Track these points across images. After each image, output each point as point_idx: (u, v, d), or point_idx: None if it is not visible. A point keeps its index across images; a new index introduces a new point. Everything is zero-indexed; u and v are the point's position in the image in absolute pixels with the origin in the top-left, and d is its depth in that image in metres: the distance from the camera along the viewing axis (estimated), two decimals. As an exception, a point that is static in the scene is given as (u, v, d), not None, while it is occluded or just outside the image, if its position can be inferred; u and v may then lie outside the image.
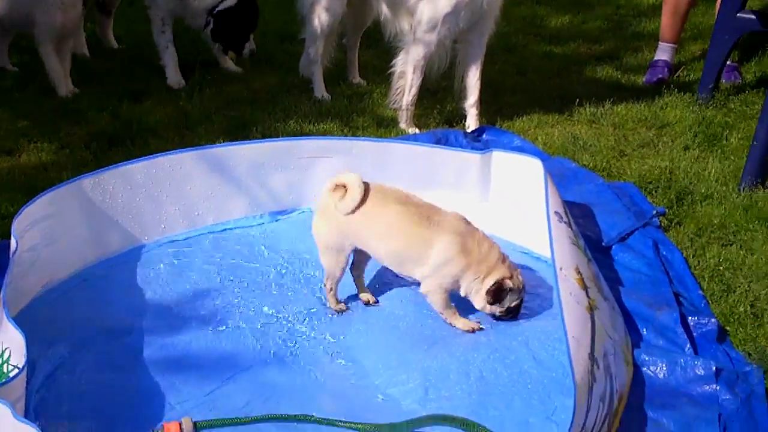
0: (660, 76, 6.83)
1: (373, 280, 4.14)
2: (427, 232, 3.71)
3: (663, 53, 6.98)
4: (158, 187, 4.49)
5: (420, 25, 5.64)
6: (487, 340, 3.70)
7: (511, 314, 3.81)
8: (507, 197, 4.48)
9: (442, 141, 5.39)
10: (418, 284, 3.85)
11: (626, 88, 6.70)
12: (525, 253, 4.36)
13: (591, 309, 3.38)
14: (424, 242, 3.71)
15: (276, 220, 4.71)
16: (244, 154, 4.65)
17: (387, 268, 4.00)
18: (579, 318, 3.25)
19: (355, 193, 3.75)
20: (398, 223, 3.74)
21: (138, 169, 4.45)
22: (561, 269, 3.44)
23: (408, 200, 3.83)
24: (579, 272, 3.53)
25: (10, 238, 3.89)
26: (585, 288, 3.48)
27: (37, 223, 3.98)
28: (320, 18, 6.18)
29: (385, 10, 5.90)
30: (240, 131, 5.63)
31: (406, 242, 3.75)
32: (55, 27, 6.15)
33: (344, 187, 3.79)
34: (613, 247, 4.37)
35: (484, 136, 5.64)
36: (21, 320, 3.28)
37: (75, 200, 4.20)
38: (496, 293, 3.72)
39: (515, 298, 3.77)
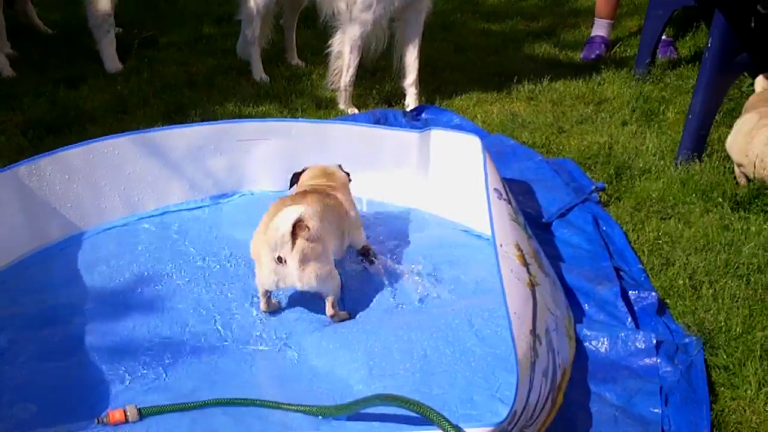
0: (597, 52, 6.87)
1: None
2: None
3: (599, 29, 7.03)
4: (96, 173, 4.45)
5: (356, 5, 5.63)
6: (430, 318, 3.70)
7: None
8: (446, 175, 4.49)
9: (381, 121, 5.39)
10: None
11: (564, 64, 6.74)
12: (465, 231, 4.37)
13: (532, 285, 3.40)
14: None
15: (217, 203, 4.68)
16: (182, 138, 4.62)
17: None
18: (520, 294, 3.27)
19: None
20: None
21: (75, 154, 4.41)
22: (501, 246, 3.46)
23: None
24: (519, 249, 3.55)
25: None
26: (526, 264, 3.50)
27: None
28: (256, -2, 6.15)
29: None
30: (178, 115, 5.60)
31: None
32: None
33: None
34: (553, 223, 4.40)
35: (423, 115, 5.64)
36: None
37: (11, 188, 4.16)
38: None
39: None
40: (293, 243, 3.51)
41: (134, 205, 4.55)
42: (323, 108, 5.80)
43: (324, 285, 3.63)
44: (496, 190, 3.86)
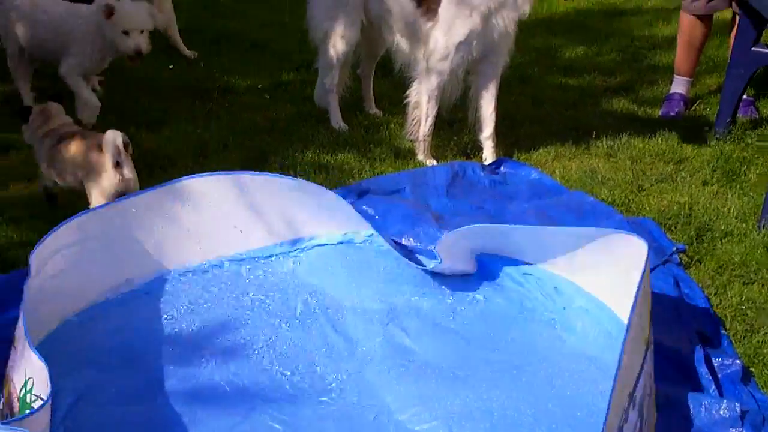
0: (677, 109, 6.83)
1: (390, 312, 4.14)
2: None
3: (679, 86, 6.99)
4: (178, 215, 4.48)
5: (433, 54, 5.65)
6: (510, 376, 3.69)
7: None
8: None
9: (459, 174, 5.41)
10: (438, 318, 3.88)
11: (643, 121, 6.70)
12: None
13: (647, 344, 3.37)
14: None
15: (295, 249, 4.69)
16: (266, 183, 4.64)
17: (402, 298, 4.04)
18: (635, 351, 3.23)
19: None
20: None
21: (158, 196, 4.44)
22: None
23: None
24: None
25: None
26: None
27: (59, 250, 3.97)
28: (335, 47, 6.19)
29: (398, 38, 5.91)
30: (258, 161, 5.64)
31: None
32: (92, 59, 6.10)
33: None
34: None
35: (501, 168, 5.64)
36: (43, 349, 3.27)
37: (97, 228, 4.20)
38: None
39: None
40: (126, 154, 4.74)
41: (215, 248, 4.56)
42: (401, 158, 5.82)
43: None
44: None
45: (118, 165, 4.72)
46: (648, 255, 3.59)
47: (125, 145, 4.75)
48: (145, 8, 5.88)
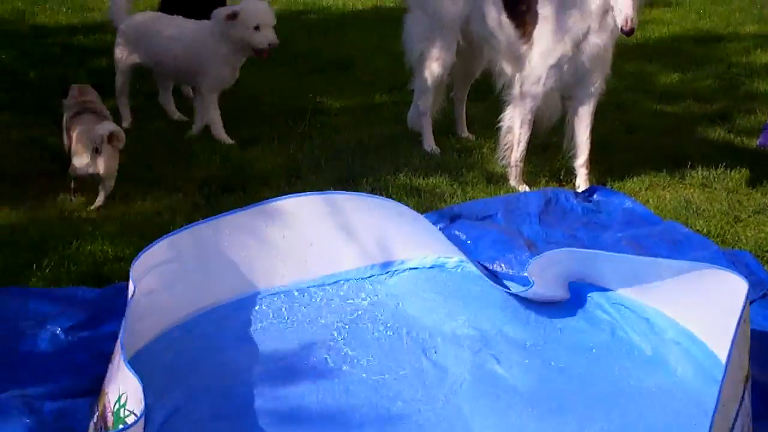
0: None
1: (481, 339, 4.12)
2: None
3: None
4: (271, 234, 4.51)
5: (527, 78, 5.64)
6: (602, 409, 3.64)
7: None
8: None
9: (552, 201, 5.36)
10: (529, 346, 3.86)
11: (740, 150, 6.60)
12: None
13: (746, 381, 3.31)
14: None
15: (387, 272, 4.69)
16: (360, 204, 4.65)
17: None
18: (734, 385, 3.18)
19: None
20: None
21: (251, 215, 4.47)
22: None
23: None
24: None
25: (127, 282, 3.96)
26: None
27: (154, 267, 4.01)
28: (430, 69, 6.20)
29: (500, 60, 5.91)
30: (349, 182, 5.66)
31: None
32: (224, 79, 6.42)
33: None
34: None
35: (595, 196, 5.58)
36: (135, 365, 3.30)
37: (192, 246, 4.23)
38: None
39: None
40: (109, 143, 5.37)
41: (306, 269, 4.57)
42: (494, 183, 5.80)
43: (110, 178, 5.49)
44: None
45: (96, 151, 5.37)
46: (748, 293, 3.52)
47: (110, 137, 5.40)
48: (267, 5, 6.30)
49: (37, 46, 8.63)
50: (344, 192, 4.89)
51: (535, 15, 5.55)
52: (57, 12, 9.99)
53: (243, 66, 7.67)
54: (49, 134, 6.46)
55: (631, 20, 5.17)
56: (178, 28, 6.53)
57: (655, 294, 4.20)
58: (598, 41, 5.45)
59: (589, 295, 4.40)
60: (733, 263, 4.71)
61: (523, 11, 5.60)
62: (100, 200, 5.48)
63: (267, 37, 6.20)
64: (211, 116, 6.45)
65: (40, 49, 8.54)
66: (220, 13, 6.32)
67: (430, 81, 6.24)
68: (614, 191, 5.66)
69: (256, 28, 6.19)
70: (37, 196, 5.52)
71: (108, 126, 5.48)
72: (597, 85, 5.68)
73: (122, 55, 6.63)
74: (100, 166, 5.39)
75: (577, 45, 5.47)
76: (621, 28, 5.21)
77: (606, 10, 5.33)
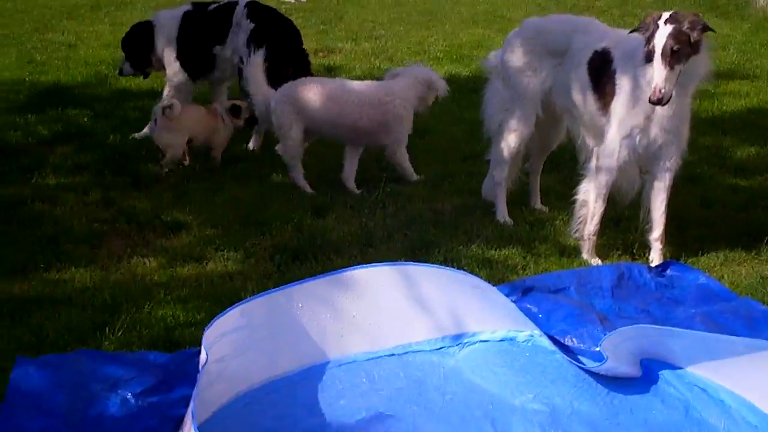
0: None
1: (551, 414, 4.07)
2: None
3: None
4: (343, 304, 4.52)
5: (603, 152, 5.63)
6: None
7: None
8: None
9: (625, 275, 5.32)
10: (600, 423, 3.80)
11: None
12: None
13: None
14: None
15: (457, 344, 4.67)
16: (431, 275, 4.65)
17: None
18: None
19: None
20: None
21: (325, 285, 4.50)
22: None
23: None
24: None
25: (197, 347, 3.99)
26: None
27: (226, 334, 4.05)
28: (507, 140, 6.21)
29: (583, 132, 5.90)
30: (422, 252, 5.66)
31: None
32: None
33: None
34: None
35: (668, 271, 5.52)
36: (204, 431, 3.33)
37: (264, 314, 4.27)
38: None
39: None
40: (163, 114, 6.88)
41: (377, 339, 4.58)
42: (566, 255, 5.76)
43: (166, 148, 7.06)
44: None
45: (155, 122, 6.98)
46: None
47: (164, 109, 6.92)
48: None
49: (117, 109, 8.79)
50: (416, 263, 4.90)
51: (614, 87, 5.55)
52: (138, 76, 10.17)
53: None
54: (125, 196, 6.57)
55: (659, 90, 5.15)
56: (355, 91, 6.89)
57: (730, 373, 4.14)
58: (669, 113, 5.42)
59: (661, 372, 4.37)
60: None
61: (604, 83, 5.61)
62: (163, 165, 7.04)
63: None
64: (405, 168, 7.05)
65: (121, 113, 8.70)
66: (422, 78, 6.95)
67: (506, 152, 6.24)
68: (688, 266, 5.59)
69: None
70: (112, 258, 5.60)
71: (165, 101, 7.09)
72: (672, 160, 5.63)
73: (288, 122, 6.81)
74: (157, 134, 7.02)
75: (648, 117, 5.45)
76: (648, 98, 5.20)
77: (678, 82, 5.32)
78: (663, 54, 5.16)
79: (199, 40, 7.71)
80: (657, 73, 5.17)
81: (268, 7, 7.81)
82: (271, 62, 7.06)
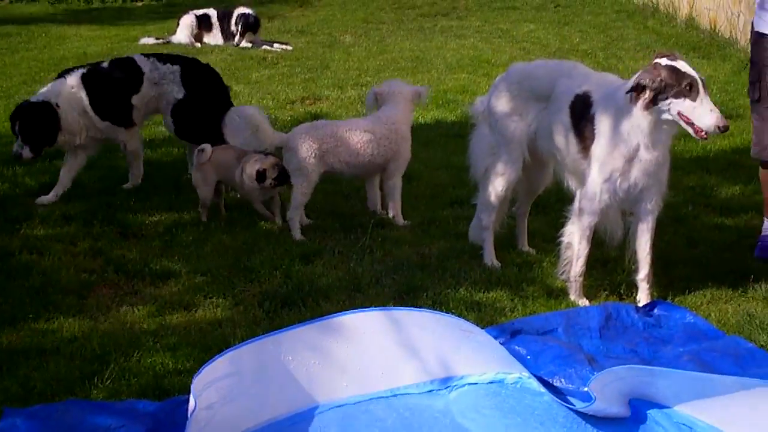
0: None
1: None
2: None
3: None
4: (331, 349, 4.53)
5: (584, 195, 5.67)
6: None
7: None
8: None
9: (613, 315, 5.35)
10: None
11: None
12: None
13: None
14: None
15: (446, 387, 4.67)
16: (420, 320, 4.67)
17: None
18: None
19: None
20: None
21: (313, 330, 4.52)
22: None
23: None
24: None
25: (187, 395, 4.00)
26: None
27: (215, 381, 4.07)
28: (494, 185, 6.23)
29: (567, 176, 5.96)
30: (410, 296, 5.68)
31: None
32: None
33: None
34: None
35: (655, 311, 5.55)
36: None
37: (252, 360, 4.29)
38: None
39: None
40: None
41: (365, 383, 4.58)
42: (554, 297, 5.79)
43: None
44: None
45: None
46: None
47: (197, 152, 7.20)
48: None
49: (104, 159, 8.81)
50: (404, 308, 4.92)
51: (593, 131, 5.60)
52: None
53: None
54: (113, 246, 6.58)
55: (723, 118, 5.27)
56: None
57: (717, 412, 4.15)
58: (649, 157, 5.47)
59: (649, 412, 4.38)
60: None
61: (584, 127, 5.66)
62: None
63: None
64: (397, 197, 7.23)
65: (107, 162, 8.72)
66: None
67: (493, 196, 6.27)
68: (675, 305, 5.62)
69: None
70: (100, 307, 5.61)
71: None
72: (653, 202, 5.67)
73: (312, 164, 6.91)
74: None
75: (629, 161, 5.50)
76: (716, 127, 5.27)
77: (657, 125, 5.38)
78: (704, 85, 5.32)
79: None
80: (710, 103, 5.30)
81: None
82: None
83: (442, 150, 8.95)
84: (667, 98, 5.30)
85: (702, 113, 5.26)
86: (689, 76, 5.28)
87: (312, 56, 14.19)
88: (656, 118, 5.37)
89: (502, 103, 6.15)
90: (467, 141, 6.60)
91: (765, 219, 6.67)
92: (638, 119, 5.39)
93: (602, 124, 5.55)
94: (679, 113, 5.30)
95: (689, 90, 5.27)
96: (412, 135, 7.28)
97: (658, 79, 5.31)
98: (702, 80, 5.28)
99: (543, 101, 6.01)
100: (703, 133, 5.29)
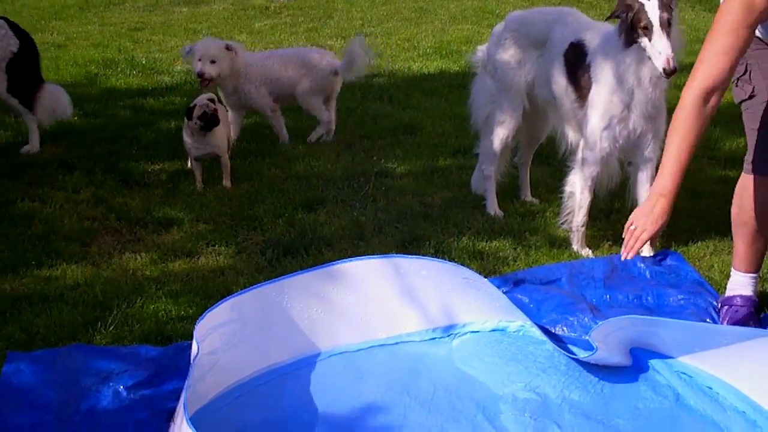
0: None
1: (542, 404, 4.09)
2: None
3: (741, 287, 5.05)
4: (333, 296, 4.54)
5: (585, 143, 5.65)
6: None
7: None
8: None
9: (619, 267, 5.32)
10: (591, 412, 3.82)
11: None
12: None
13: None
14: None
15: (448, 335, 4.68)
16: (422, 268, 4.66)
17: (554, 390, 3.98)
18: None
19: None
20: None
21: (315, 278, 4.51)
22: None
23: None
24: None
25: (189, 341, 4.01)
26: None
27: (217, 327, 4.07)
28: (495, 133, 6.21)
29: (564, 125, 5.95)
30: (413, 245, 5.67)
31: None
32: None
33: None
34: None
35: (667, 260, 5.53)
36: (196, 423, 3.33)
37: (255, 307, 4.29)
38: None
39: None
40: None
41: (367, 331, 4.59)
42: (557, 247, 5.77)
43: None
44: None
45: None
46: None
47: None
48: (210, 41, 7.89)
49: (107, 108, 8.79)
50: (407, 255, 4.92)
51: (590, 80, 5.58)
52: (128, 75, 10.19)
53: (306, 129, 7.79)
54: (116, 194, 6.57)
55: (672, 59, 5.15)
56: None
57: (718, 362, 4.16)
58: (644, 98, 5.43)
59: (650, 361, 4.39)
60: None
61: (580, 76, 5.63)
62: None
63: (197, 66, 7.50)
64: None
65: (111, 111, 8.71)
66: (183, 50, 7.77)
67: (495, 145, 6.25)
68: (685, 260, 5.57)
69: (199, 60, 7.47)
70: (102, 255, 5.61)
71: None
72: (651, 148, 5.63)
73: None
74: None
75: (627, 106, 5.47)
76: (663, 69, 5.18)
77: (640, 62, 5.34)
78: (662, 24, 5.16)
79: None
80: (664, 43, 5.15)
81: None
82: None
83: (446, 100, 8.92)
84: (638, 34, 5.27)
85: (654, 54, 5.22)
86: (644, 13, 5.22)
87: (315, 6, 14.13)
88: (639, 56, 5.32)
89: (500, 51, 6.13)
90: (469, 91, 6.57)
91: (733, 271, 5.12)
92: (626, 59, 5.35)
93: (598, 72, 5.52)
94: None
95: (647, 29, 5.23)
96: (416, 85, 7.23)
97: (627, 10, 5.28)
98: (662, 19, 5.18)
99: (540, 48, 5.98)
100: (661, 72, 5.23)
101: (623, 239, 4.43)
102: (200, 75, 7.45)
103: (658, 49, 5.18)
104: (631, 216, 4.40)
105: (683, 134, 4.29)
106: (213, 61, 7.47)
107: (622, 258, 4.38)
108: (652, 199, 4.34)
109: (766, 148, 4.83)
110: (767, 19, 4.20)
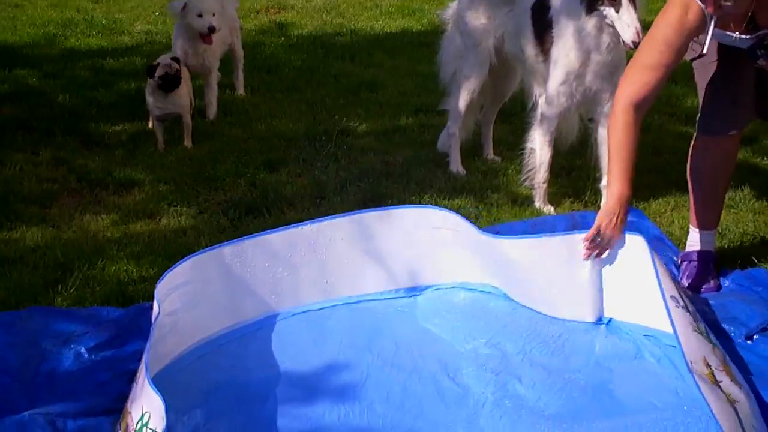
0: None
1: (503, 358, 4.12)
2: None
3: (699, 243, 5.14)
4: (296, 256, 4.53)
5: (545, 100, 5.69)
6: (623, 428, 3.62)
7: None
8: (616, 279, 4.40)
9: (579, 224, 5.31)
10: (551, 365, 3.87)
11: (765, 172, 6.56)
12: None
13: (730, 403, 3.32)
14: None
15: (411, 296, 4.69)
16: (382, 223, 4.66)
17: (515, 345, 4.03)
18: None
19: None
20: None
21: (277, 238, 4.51)
22: (691, 363, 3.40)
23: None
24: (708, 365, 3.49)
25: (151, 302, 3.99)
26: (716, 383, 3.43)
27: (178, 288, 4.06)
28: (462, 88, 6.22)
29: (531, 81, 6.00)
30: (374, 203, 5.66)
31: None
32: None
33: None
34: (756, 338, 4.27)
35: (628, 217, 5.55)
36: (158, 383, 3.33)
37: (215, 267, 4.28)
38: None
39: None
40: None
41: (330, 290, 4.60)
42: (519, 204, 5.79)
43: None
44: (672, 297, 3.80)
45: None
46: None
47: None
48: None
49: (67, 69, 8.69)
50: (371, 209, 4.89)
51: (551, 35, 5.61)
52: (87, 35, 10.05)
53: (268, 88, 7.75)
54: (76, 156, 6.51)
55: (640, 32, 5.17)
56: None
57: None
58: (600, 59, 5.46)
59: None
60: (755, 284, 4.72)
61: (543, 31, 5.66)
62: None
63: (207, 22, 7.04)
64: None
65: (70, 72, 8.61)
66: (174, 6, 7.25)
67: (462, 100, 6.24)
68: (645, 216, 5.60)
69: (199, 15, 7.03)
70: (63, 216, 5.56)
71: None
72: (608, 105, 5.65)
73: None
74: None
75: (584, 63, 5.49)
76: (632, 42, 5.20)
77: (600, 29, 5.36)
78: None
79: None
80: (632, 16, 5.19)
81: None
82: None
83: (408, 58, 8.89)
84: (602, 4, 5.28)
85: (622, 25, 5.24)
86: None
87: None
88: (600, 23, 5.35)
89: (471, 7, 6.13)
90: (434, 49, 6.56)
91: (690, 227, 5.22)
92: (585, 23, 5.38)
93: (559, 28, 5.56)
94: (612, 21, 5.30)
95: (614, 0, 5.25)
96: (378, 44, 7.20)
97: None
98: None
99: (510, 4, 5.98)
100: (629, 44, 5.26)
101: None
102: (212, 30, 7.08)
103: (626, 21, 5.21)
104: (595, 224, 4.41)
105: (622, 142, 4.44)
106: (213, 15, 7.17)
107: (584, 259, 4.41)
108: (615, 208, 4.44)
109: (711, 107, 4.90)
110: (698, 36, 4.33)
